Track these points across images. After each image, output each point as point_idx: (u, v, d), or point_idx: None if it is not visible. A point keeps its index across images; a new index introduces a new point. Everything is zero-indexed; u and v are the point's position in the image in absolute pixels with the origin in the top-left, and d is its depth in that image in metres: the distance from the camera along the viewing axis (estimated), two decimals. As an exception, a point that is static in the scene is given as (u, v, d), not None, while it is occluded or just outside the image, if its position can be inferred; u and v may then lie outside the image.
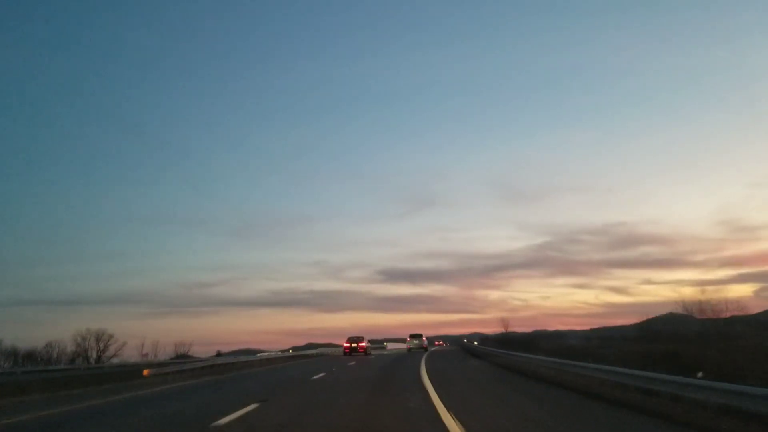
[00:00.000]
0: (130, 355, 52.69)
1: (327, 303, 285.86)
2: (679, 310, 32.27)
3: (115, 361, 48.99)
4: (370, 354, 46.10)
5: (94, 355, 50.77)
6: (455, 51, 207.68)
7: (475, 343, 56.86)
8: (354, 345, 45.52)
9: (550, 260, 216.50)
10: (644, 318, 38.25)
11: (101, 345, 51.54)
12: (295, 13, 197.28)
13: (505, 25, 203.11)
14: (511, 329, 76.28)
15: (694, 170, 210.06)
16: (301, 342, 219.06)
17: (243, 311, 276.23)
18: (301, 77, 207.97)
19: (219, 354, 60.50)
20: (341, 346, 49.02)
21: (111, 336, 52.30)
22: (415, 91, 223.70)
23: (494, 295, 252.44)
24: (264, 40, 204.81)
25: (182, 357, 51.33)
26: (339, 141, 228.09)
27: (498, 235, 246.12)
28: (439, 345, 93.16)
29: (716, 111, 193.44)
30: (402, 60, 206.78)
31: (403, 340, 59.29)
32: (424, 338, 53.29)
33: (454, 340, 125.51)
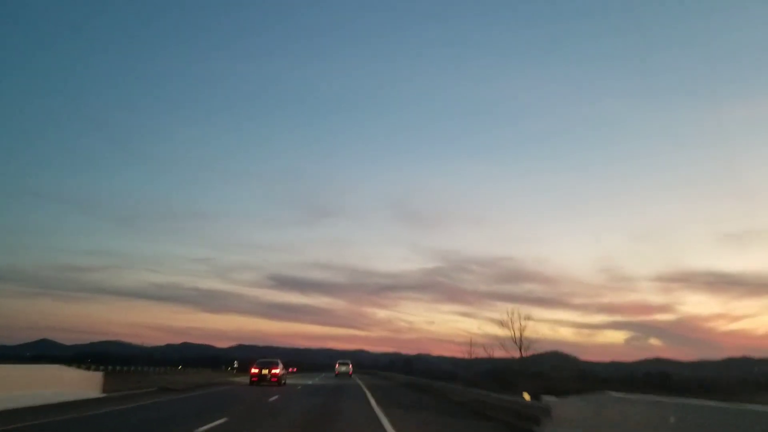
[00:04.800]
0: None
1: (211, 303, 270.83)
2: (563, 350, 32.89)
3: None
4: (285, 384, 34.84)
5: None
6: (366, 69, 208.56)
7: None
8: (264, 371, 33.22)
9: (439, 285, 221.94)
10: (529, 354, 38.78)
11: None
12: (196, 9, 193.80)
13: (418, 53, 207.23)
14: (396, 350, 76.66)
15: (583, 217, 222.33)
16: (178, 341, 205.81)
17: (120, 301, 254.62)
18: (205, 72, 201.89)
19: None
20: (221, 350, 38.67)
21: None
22: (322, 103, 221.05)
23: (382, 313, 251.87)
24: (168, 34, 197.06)
25: None
26: (239, 139, 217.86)
27: (392, 255, 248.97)
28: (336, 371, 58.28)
29: (608, 164, 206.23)
30: (312, 68, 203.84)
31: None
32: (350, 365, 58.98)
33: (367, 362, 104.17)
